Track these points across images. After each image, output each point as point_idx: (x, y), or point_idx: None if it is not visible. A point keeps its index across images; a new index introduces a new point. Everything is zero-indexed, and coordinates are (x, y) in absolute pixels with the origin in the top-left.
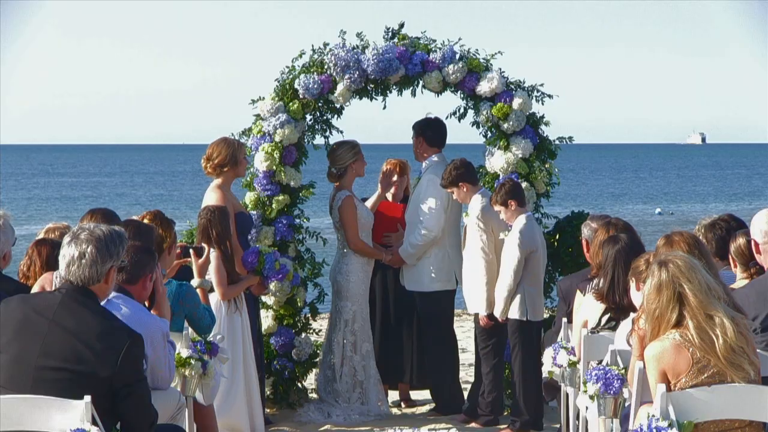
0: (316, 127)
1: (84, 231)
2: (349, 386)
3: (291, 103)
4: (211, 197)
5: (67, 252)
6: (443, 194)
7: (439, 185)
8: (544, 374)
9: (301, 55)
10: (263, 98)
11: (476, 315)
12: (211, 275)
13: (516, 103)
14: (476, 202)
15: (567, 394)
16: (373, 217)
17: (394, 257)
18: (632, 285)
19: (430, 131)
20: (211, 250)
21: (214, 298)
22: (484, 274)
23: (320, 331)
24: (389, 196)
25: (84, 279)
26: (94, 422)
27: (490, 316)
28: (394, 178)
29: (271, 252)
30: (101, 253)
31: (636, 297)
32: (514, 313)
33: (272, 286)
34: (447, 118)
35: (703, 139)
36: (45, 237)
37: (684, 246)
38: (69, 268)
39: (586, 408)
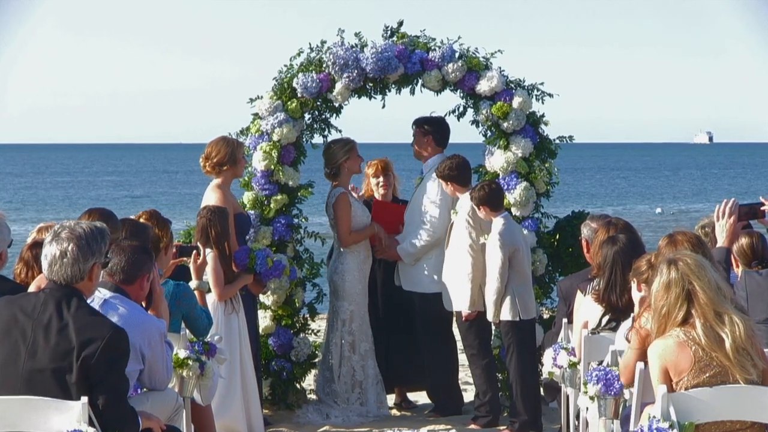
0: (315, 126)
1: (65, 229)
2: (348, 387)
3: (289, 102)
4: (211, 197)
5: (49, 251)
6: (447, 196)
7: (443, 187)
8: (545, 375)
9: (299, 54)
10: (261, 97)
11: (458, 313)
12: (208, 276)
13: (516, 102)
14: (466, 200)
15: (567, 395)
16: (370, 216)
17: (391, 252)
18: (633, 285)
19: (439, 132)
20: (208, 250)
21: (211, 299)
22: (470, 272)
23: (319, 331)
24: (378, 196)
25: (67, 278)
26: (90, 423)
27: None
28: (380, 180)
29: (261, 249)
30: (83, 250)
31: (637, 297)
32: (506, 314)
33: (272, 284)
34: (446, 116)
35: (711, 138)
36: (38, 239)
37: (687, 246)
38: (51, 268)
39: (587, 409)
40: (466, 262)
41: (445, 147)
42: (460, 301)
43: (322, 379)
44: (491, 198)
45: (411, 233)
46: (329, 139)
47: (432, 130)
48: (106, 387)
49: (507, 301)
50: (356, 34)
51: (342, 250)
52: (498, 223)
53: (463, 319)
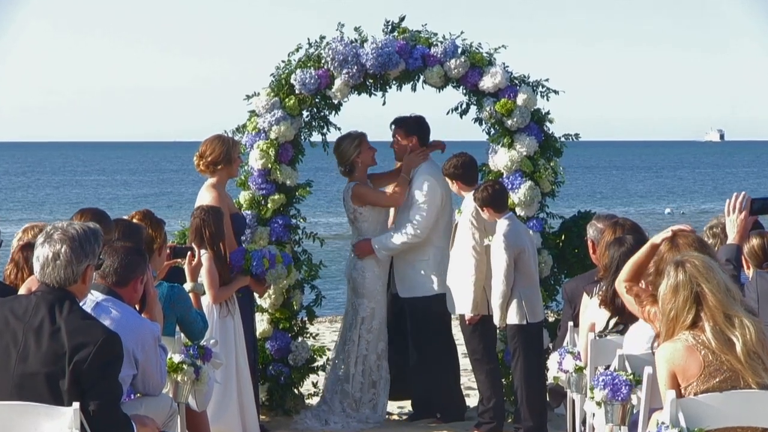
0: (313, 123)
1: (57, 230)
2: (364, 386)
3: (287, 99)
4: (206, 197)
5: (41, 253)
6: (438, 196)
7: (433, 187)
8: (550, 380)
9: (297, 49)
10: (258, 94)
11: (462, 317)
12: (203, 277)
13: (520, 98)
14: (470, 200)
15: (573, 401)
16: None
17: (364, 244)
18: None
19: (422, 131)
20: (203, 251)
21: (205, 302)
22: (473, 274)
23: (317, 335)
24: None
25: (60, 280)
26: (82, 429)
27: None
28: None
29: (257, 249)
30: (76, 252)
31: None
32: (512, 318)
33: (268, 277)
34: (448, 114)
35: (722, 136)
36: (30, 240)
37: (690, 250)
38: (44, 270)
39: (593, 415)
40: (469, 264)
41: (426, 146)
42: (463, 305)
43: (334, 377)
44: (495, 199)
45: (396, 230)
46: (328, 137)
47: (416, 129)
48: (98, 392)
49: (513, 304)
50: (356, 29)
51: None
52: (502, 224)
53: (467, 322)
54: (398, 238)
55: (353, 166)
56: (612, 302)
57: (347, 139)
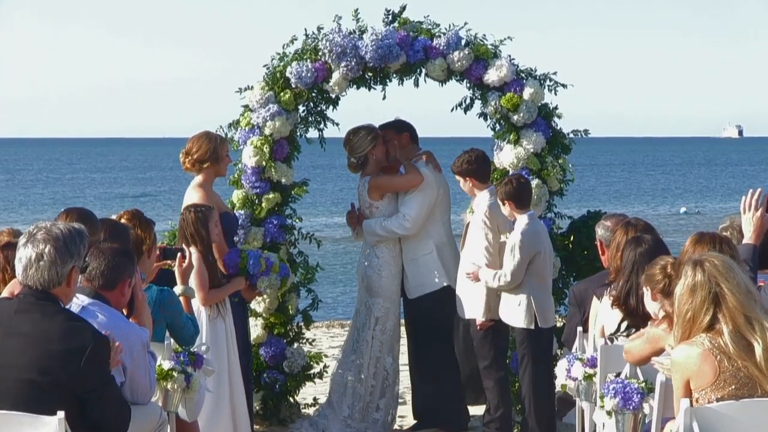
0: (310, 119)
1: (41, 230)
2: (375, 390)
3: (282, 93)
4: (192, 196)
5: (24, 254)
6: (432, 191)
7: (429, 182)
8: (557, 388)
9: (293, 41)
10: (252, 87)
11: (472, 321)
12: (192, 278)
13: (527, 93)
14: (483, 199)
15: (582, 410)
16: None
17: (353, 218)
18: (647, 293)
19: (411, 129)
20: (193, 250)
21: (195, 304)
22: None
23: (314, 340)
24: None
25: (44, 282)
26: None
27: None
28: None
29: (254, 249)
30: (60, 252)
31: (651, 306)
32: (521, 321)
33: (260, 283)
34: (452, 109)
35: (740, 132)
36: (10, 240)
37: (716, 247)
38: (26, 272)
39: (603, 425)
40: (481, 266)
41: (418, 144)
42: (474, 308)
43: (341, 379)
44: (519, 193)
45: (387, 219)
46: (325, 133)
47: (405, 127)
48: (100, 396)
49: (523, 306)
50: (354, 12)
51: (376, 243)
52: (522, 221)
53: (477, 327)
54: (384, 227)
55: (366, 160)
56: (625, 303)
57: (363, 131)
